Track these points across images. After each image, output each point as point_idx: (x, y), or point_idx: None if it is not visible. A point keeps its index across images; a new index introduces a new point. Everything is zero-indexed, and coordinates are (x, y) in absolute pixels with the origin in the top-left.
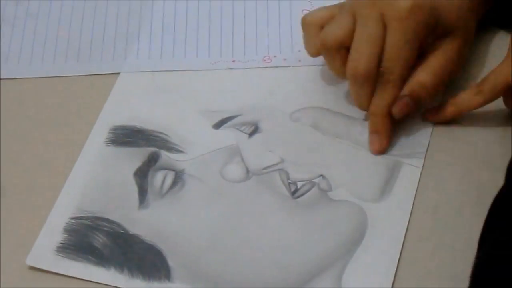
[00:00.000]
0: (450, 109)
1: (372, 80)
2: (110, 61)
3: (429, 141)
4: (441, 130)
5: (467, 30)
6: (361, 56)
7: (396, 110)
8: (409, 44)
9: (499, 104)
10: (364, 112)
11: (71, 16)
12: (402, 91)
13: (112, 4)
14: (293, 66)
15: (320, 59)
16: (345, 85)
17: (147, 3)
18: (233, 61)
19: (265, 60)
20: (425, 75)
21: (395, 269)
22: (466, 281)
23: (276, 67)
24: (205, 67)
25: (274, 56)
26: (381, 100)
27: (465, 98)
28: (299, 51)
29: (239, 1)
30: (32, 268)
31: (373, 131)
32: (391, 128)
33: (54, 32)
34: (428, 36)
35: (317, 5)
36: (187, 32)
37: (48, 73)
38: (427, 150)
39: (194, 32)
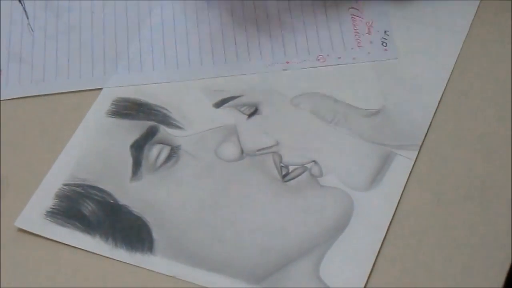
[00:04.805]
0: None
1: None
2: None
3: (426, 135)
4: (439, 124)
5: None
6: None
7: None
8: None
9: (498, 98)
10: (365, 102)
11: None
12: None
13: None
14: (348, 64)
15: (373, 56)
16: (350, 73)
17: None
18: (287, 62)
19: (319, 59)
20: None
21: (374, 259)
22: (446, 281)
23: (332, 65)
24: (260, 70)
25: (328, 55)
26: None
27: None
28: (352, 49)
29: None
30: (21, 230)
31: None
32: None
33: None
34: None
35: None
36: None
37: None
38: (422, 143)
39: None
